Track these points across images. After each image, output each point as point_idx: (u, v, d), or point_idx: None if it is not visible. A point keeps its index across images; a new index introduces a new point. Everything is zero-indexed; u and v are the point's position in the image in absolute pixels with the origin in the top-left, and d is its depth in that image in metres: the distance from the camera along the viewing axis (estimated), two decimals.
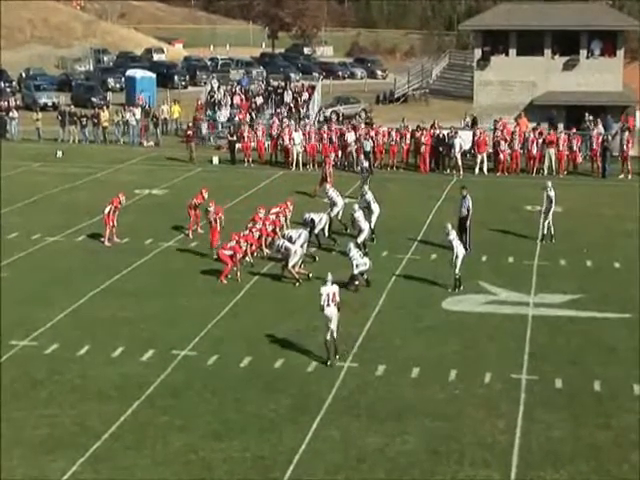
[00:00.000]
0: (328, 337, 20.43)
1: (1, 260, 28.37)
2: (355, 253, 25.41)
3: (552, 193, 30.01)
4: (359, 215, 28.72)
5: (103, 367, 20.67)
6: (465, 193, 29.31)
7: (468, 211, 28.79)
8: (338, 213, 31.44)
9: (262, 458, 16.72)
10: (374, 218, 29.84)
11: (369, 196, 30.47)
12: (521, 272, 27.43)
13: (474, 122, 48.29)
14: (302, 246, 26.67)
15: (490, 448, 17.02)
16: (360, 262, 25.33)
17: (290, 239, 26.72)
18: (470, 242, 28.72)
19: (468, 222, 28.86)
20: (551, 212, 30.12)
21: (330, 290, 20.38)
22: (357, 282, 25.48)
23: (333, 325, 20.35)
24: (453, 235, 25.68)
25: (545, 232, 30.36)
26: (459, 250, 25.31)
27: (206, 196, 31.04)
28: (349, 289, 25.28)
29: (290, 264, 25.91)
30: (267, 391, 19.39)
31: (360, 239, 28.29)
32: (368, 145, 42.63)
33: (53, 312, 23.95)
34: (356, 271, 25.31)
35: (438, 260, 28.22)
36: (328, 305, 20.27)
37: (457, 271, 25.30)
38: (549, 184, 30.55)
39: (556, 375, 20.11)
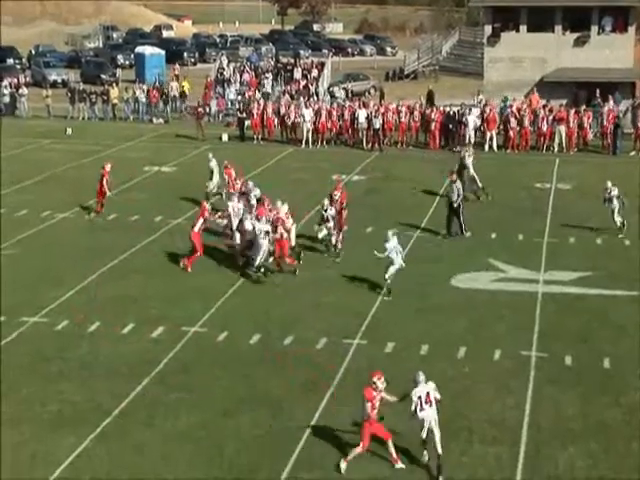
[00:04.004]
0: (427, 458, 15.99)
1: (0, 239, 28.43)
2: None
3: (615, 192, 28.23)
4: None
5: (113, 344, 20.71)
6: (455, 177, 28.84)
7: (459, 196, 28.21)
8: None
9: (272, 435, 16.75)
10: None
11: None
12: (531, 249, 27.35)
13: (429, 98, 48.39)
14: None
15: (499, 425, 17.02)
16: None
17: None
18: (465, 225, 28.33)
19: (457, 206, 28.17)
20: (621, 207, 28.34)
21: (422, 391, 15.74)
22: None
23: (436, 435, 15.67)
24: (394, 243, 23.52)
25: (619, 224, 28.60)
26: (397, 260, 23.49)
27: (108, 168, 31.21)
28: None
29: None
30: (277, 368, 19.40)
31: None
32: (377, 122, 42.37)
33: (63, 289, 23.98)
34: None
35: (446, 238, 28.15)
36: (422, 409, 15.63)
37: (387, 276, 23.50)
38: (609, 184, 28.52)
39: (565, 352, 20.07)
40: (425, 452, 15.88)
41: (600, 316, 22.26)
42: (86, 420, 17.21)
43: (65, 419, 17.31)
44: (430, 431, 15.56)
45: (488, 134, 42.16)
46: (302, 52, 77.38)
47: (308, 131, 43.23)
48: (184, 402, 17.96)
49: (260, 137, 44.81)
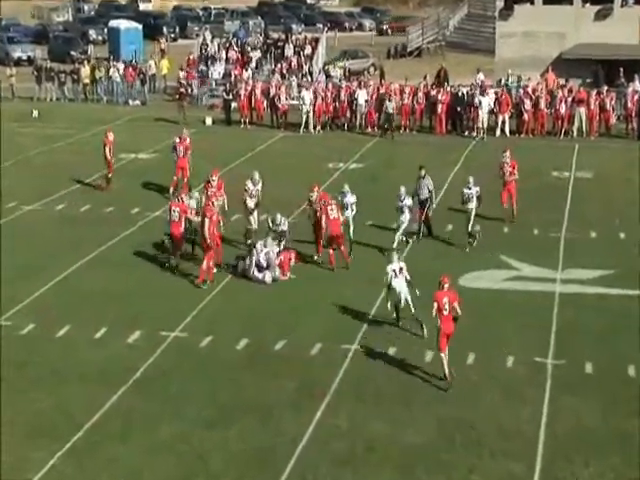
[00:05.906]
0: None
1: None
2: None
3: (476, 190, 27.33)
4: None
5: (85, 349, 20.74)
6: (424, 172, 27.98)
7: (430, 192, 27.80)
8: None
9: (261, 448, 16.80)
10: None
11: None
12: (547, 245, 27.42)
13: (442, 77, 48.28)
14: None
15: (512, 438, 17.07)
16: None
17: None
18: (430, 228, 28.05)
19: (428, 204, 27.68)
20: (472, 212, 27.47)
21: (395, 266, 21.31)
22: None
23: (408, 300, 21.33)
24: (409, 202, 26.87)
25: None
26: (405, 217, 26.75)
27: (111, 137, 32.74)
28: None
29: None
30: (267, 375, 19.44)
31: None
32: (390, 106, 41.57)
33: (30, 288, 23.96)
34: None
35: (454, 231, 28.19)
36: (396, 277, 21.15)
37: (399, 235, 26.95)
38: (471, 179, 27.60)
39: (585, 359, 20.12)
40: (396, 316, 21.50)
41: (623, 318, 22.29)
42: (56, 433, 17.21)
43: (35, 431, 17.31)
44: (405, 300, 21.07)
45: (500, 117, 42.16)
46: (294, 27, 77.44)
47: (307, 114, 43.00)
48: (163, 413, 17.98)
49: (248, 121, 44.82)
